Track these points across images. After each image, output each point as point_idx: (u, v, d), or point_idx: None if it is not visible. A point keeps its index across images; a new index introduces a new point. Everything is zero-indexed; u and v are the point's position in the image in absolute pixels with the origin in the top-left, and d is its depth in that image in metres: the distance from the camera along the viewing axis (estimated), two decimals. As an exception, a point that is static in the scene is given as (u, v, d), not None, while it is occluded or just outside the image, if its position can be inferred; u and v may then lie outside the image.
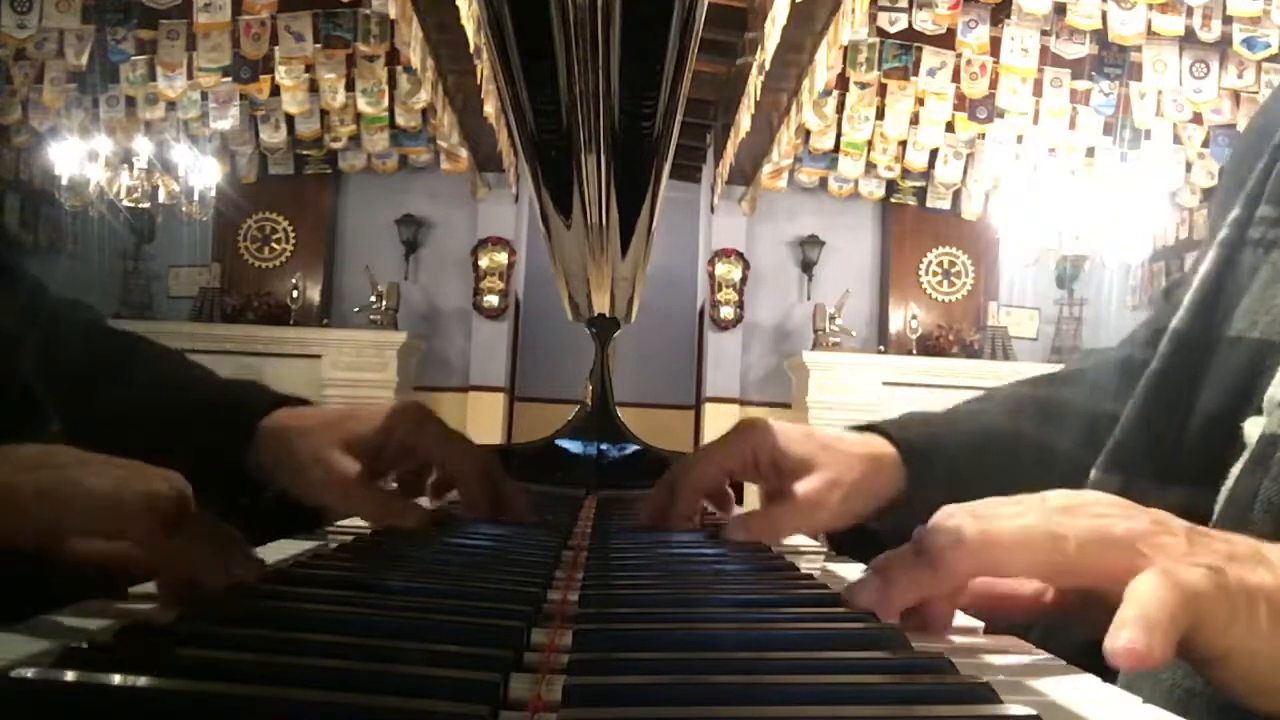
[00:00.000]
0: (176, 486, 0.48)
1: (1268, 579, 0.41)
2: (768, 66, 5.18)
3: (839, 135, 6.97)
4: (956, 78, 6.20)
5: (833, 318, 7.44)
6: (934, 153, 7.11)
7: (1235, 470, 0.54)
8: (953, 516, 0.46)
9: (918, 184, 7.57)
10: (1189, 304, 0.62)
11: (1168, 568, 0.39)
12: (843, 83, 6.42)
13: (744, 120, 5.91)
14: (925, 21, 5.47)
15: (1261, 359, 0.56)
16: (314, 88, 6.62)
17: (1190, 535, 0.43)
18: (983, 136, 6.81)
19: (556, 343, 7.19)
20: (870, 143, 6.99)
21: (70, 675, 0.30)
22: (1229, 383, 0.58)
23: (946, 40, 5.95)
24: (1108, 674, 0.38)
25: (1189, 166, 6.76)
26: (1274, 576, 0.41)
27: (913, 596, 0.46)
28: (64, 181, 6.24)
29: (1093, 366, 0.85)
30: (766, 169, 7.02)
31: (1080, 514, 0.44)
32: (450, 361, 7.76)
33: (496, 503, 0.76)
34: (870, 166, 7.28)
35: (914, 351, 7.49)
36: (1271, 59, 5.41)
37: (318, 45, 6.21)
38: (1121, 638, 0.36)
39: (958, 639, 0.43)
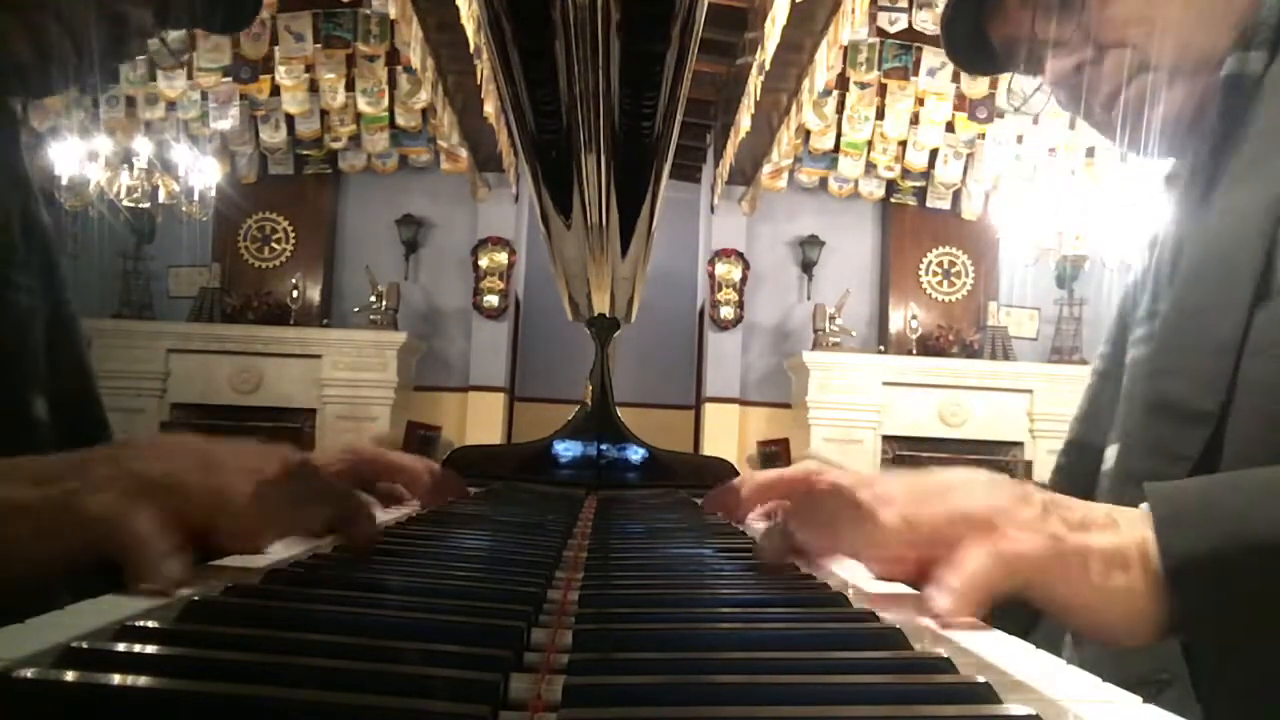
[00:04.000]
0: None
1: (1110, 541, 0.50)
2: (768, 66, 5.18)
3: (839, 135, 6.97)
4: (956, 78, 6.20)
5: (833, 318, 7.44)
6: (934, 153, 7.10)
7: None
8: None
9: (918, 184, 7.57)
10: (1075, 419, 0.89)
11: (998, 540, 0.49)
12: (843, 83, 6.43)
13: (744, 120, 5.91)
14: (925, 21, 5.46)
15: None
16: (314, 88, 6.62)
17: (1048, 506, 0.51)
18: (983, 136, 6.81)
19: (556, 343, 7.19)
20: (870, 143, 6.99)
21: (70, 675, 0.30)
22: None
23: (946, 40, 5.94)
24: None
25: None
26: (1118, 538, 0.50)
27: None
28: (64, 181, 6.24)
29: None
30: (766, 169, 7.02)
31: (953, 492, 0.53)
32: (450, 361, 7.76)
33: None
34: (870, 166, 7.27)
35: (914, 351, 7.48)
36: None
37: (318, 45, 6.21)
38: (934, 601, 0.46)
39: (960, 637, 0.42)
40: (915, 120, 6.71)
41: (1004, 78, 0.94)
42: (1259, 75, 0.69)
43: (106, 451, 0.54)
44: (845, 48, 5.52)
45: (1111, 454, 0.76)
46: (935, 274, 7.75)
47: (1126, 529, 0.50)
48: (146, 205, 6.64)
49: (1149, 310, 0.75)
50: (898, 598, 0.51)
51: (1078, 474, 0.84)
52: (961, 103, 6.48)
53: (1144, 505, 0.51)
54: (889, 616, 0.45)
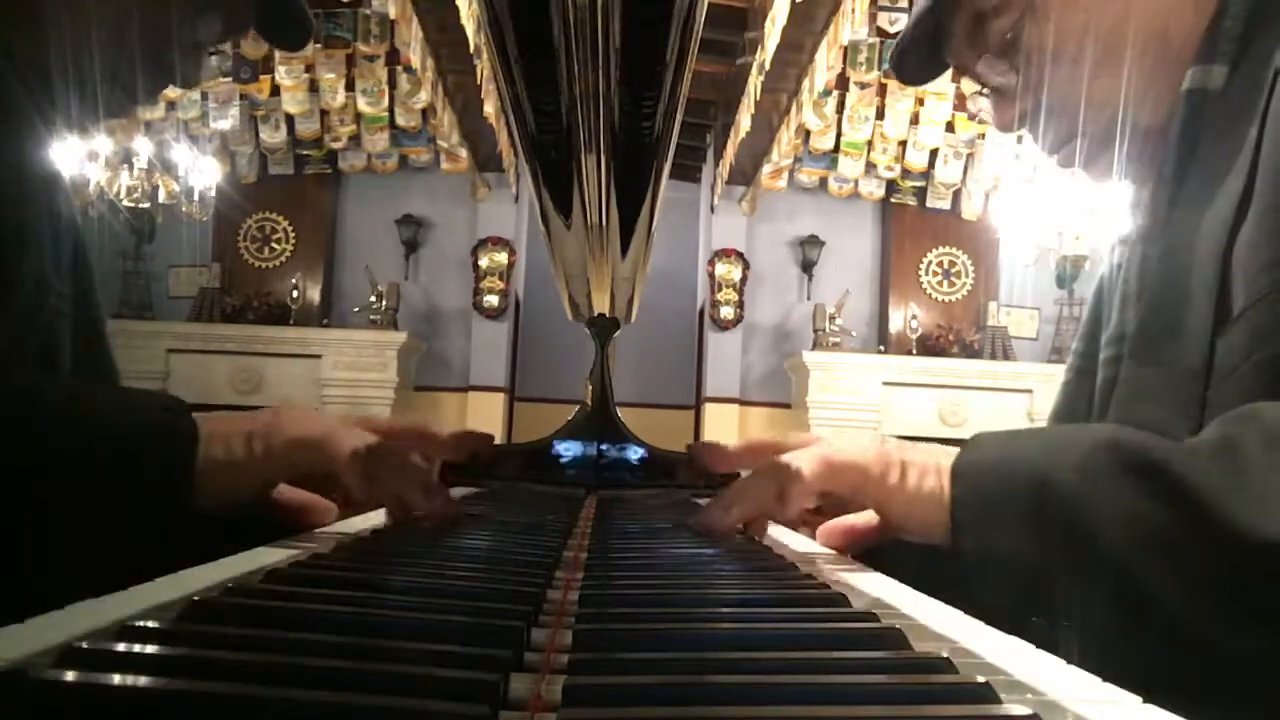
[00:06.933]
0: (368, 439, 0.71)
1: (930, 459, 0.67)
2: (768, 66, 5.18)
3: (839, 135, 6.97)
4: (956, 78, 6.19)
5: (833, 318, 7.44)
6: (934, 153, 7.11)
7: None
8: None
9: (918, 184, 7.57)
10: (1049, 417, 0.94)
11: (828, 452, 0.71)
12: (843, 83, 6.43)
13: (744, 120, 5.91)
14: (925, 21, 5.46)
15: None
16: (314, 88, 6.62)
17: (889, 441, 0.70)
18: (983, 136, 6.81)
19: (556, 343, 7.18)
20: (870, 143, 6.99)
21: (70, 675, 0.30)
22: None
23: (946, 40, 5.95)
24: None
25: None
26: (941, 459, 0.67)
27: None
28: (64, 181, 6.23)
29: None
30: (766, 169, 7.02)
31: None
32: (450, 361, 7.76)
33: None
34: (870, 166, 7.28)
35: (914, 351, 7.49)
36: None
37: (318, 45, 6.21)
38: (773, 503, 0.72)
39: (962, 639, 0.42)
40: (915, 120, 6.72)
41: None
42: (1220, 90, 0.69)
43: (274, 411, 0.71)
44: (845, 48, 5.52)
45: None
46: (935, 274, 7.75)
47: (950, 455, 0.67)
48: (146, 205, 6.64)
49: (1118, 330, 0.75)
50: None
51: None
52: (961, 103, 6.48)
53: None
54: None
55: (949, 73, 0.99)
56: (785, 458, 0.72)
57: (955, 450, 0.68)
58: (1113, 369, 0.75)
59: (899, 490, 0.67)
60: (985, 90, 0.86)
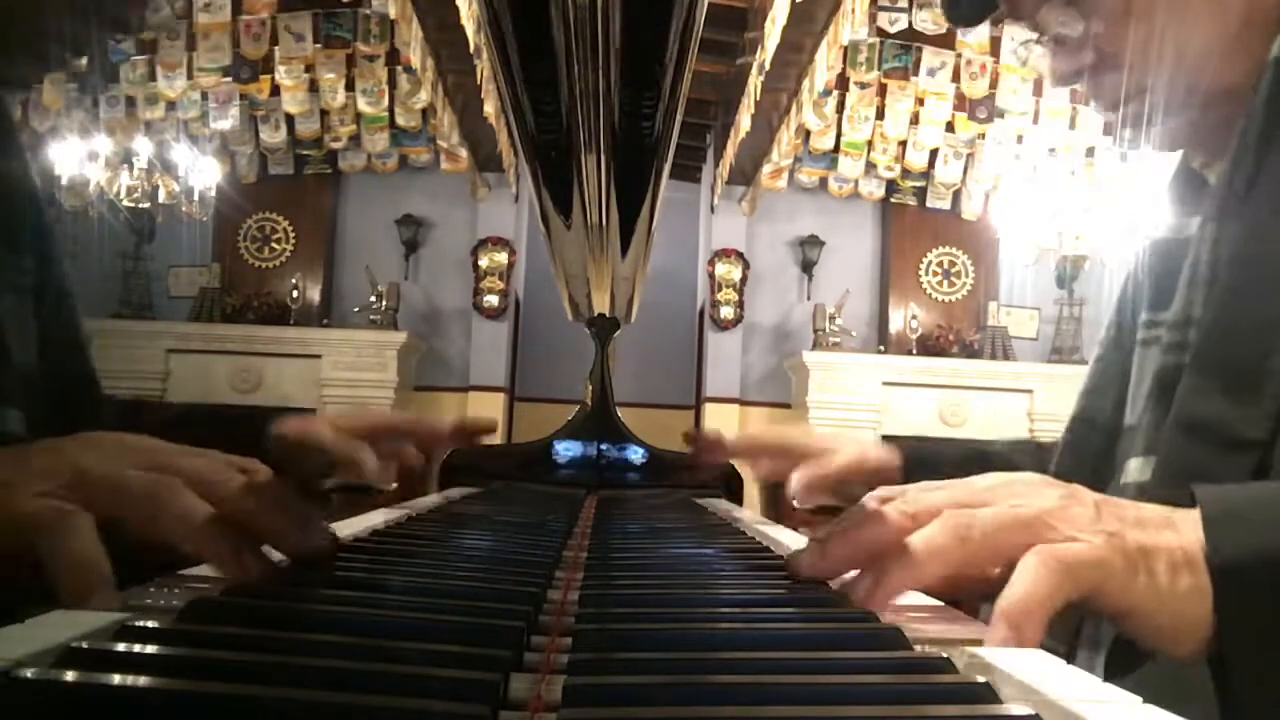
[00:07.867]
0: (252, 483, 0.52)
1: (1171, 539, 0.47)
2: (768, 66, 5.17)
3: (839, 135, 6.96)
4: (956, 78, 6.20)
5: (833, 318, 7.44)
6: (934, 153, 7.10)
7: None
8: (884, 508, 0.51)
9: (918, 184, 7.56)
10: (1081, 393, 0.83)
11: (1051, 547, 0.45)
12: (843, 83, 6.42)
13: (744, 120, 5.91)
14: (925, 21, 5.46)
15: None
16: (314, 88, 6.61)
17: (1100, 505, 0.48)
18: (983, 136, 6.81)
19: (556, 343, 7.18)
20: (870, 143, 6.98)
21: (70, 675, 0.30)
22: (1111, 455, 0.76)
23: (946, 40, 5.95)
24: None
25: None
26: (1179, 537, 0.47)
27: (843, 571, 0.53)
28: (64, 181, 6.24)
29: None
30: (766, 169, 7.02)
31: (996, 498, 0.49)
32: (450, 361, 7.75)
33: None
34: (870, 166, 7.27)
35: (914, 351, 7.48)
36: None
37: (318, 45, 6.20)
38: (997, 628, 0.43)
39: (962, 638, 0.42)
40: (915, 120, 6.71)
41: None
42: None
43: (53, 445, 0.50)
44: (845, 48, 5.52)
45: (1135, 467, 0.72)
46: (935, 274, 7.75)
47: (1185, 529, 0.47)
48: (146, 205, 6.64)
49: (1183, 312, 0.69)
50: (940, 611, 0.51)
51: (1085, 449, 0.81)
52: (961, 103, 6.47)
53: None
54: (933, 631, 0.45)
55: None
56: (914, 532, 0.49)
57: (1190, 516, 0.48)
58: (1175, 354, 0.69)
59: (1147, 591, 0.47)
60: (1040, 39, 0.78)
